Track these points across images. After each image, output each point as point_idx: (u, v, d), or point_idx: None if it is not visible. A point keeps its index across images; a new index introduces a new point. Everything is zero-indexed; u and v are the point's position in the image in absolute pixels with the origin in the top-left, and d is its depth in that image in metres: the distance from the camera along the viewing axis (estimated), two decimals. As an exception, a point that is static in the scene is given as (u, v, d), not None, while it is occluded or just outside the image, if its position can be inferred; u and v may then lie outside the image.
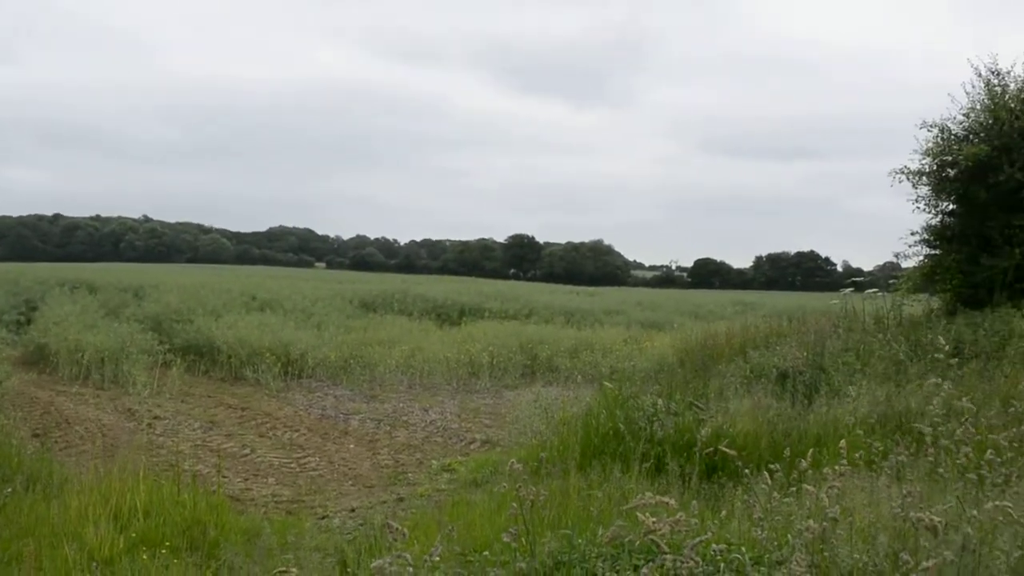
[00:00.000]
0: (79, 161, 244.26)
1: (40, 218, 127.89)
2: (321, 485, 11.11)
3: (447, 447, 13.69)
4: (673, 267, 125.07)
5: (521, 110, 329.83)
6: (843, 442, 5.42)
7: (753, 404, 11.19)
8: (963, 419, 5.38)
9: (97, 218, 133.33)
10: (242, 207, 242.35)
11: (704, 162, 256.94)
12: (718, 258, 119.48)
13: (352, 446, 13.55)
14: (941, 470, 5.40)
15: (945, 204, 17.82)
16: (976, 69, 17.14)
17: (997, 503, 4.28)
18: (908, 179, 17.51)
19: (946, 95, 17.87)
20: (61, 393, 17.17)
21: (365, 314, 30.09)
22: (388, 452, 13.19)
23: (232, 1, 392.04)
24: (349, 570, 6.65)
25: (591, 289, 58.13)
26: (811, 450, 6.01)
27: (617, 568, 5.05)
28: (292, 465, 12.28)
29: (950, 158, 16.85)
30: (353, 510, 9.83)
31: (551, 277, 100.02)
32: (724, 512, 6.24)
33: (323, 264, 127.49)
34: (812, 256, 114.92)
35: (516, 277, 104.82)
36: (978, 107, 17.18)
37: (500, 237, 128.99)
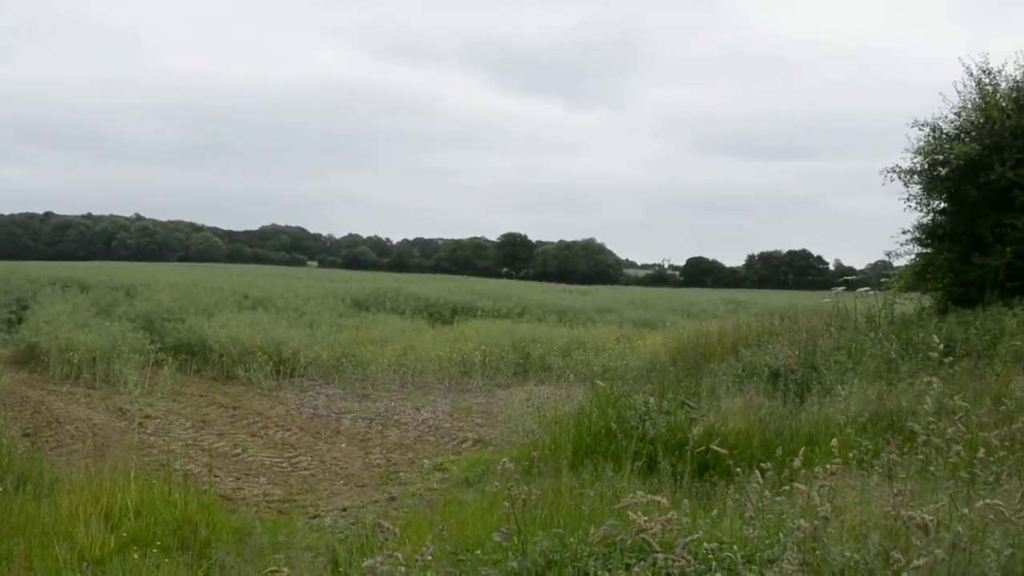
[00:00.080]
0: (71, 159, 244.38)
1: (31, 216, 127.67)
2: (313, 484, 11.09)
3: (439, 446, 13.67)
4: (665, 266, 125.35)
5: (514, 109, 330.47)
6: (835, 441, 5.43)
7: (745, 403, 11.19)
8: (955, 417, 5.40)
9: (89, 216, 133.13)
10: (234, 206, 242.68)
11: (697, 161, 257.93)
12: (710, 257, 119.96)
13: (344, 445, 13.53)
14: (932, 468, 5.41)
15: (936, 203, 17.85)
16: (967, 68, 17.19)
17: (988, 501, 4.29)
18: (900, 178, 17.55)
19: (938, 94, 17.91)
20: (52, 392, 17.12)
21: (357, 313, 30.04)
22: (380, 451, 13.17)
23: (226, 0, 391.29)
24: (340, 569, 6.64)
25: (584, 288, 58.15)
26: (803, 449, 6.01)
27: (609, 567, 5.05)
28: (284, 464, 12.25)
29: (941, 157, 16.88)
30: (345, 509, 9.81)
31: (544, 276, 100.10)
32: (716, 511, 6.24)
33: (315, 263, 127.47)
34: (804, 255, 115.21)
35: (509, 276, 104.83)
36: (969, 106, 17.22)
37: (493, 236, 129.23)
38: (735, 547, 4.83)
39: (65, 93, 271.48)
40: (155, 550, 7.20)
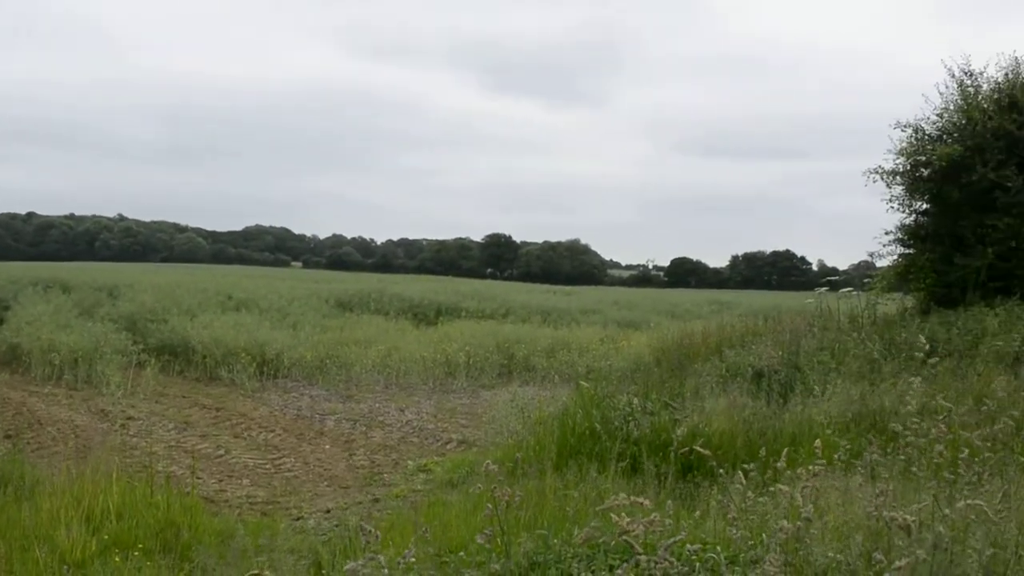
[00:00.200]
0: (53, 159, 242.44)
1: (13, 216, 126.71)
2: (296, 486, 11.06)
3: (423, 447, 13.66)
4: (650, 266, 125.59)
5: (498, 110, 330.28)
6: (818, 442, 5.44)
7: (729, 403, 11.22)
8: (939, 417, 5.41)
9: (71, 217, 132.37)
10: (218, 206, 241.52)
11: (680, 162, 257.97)
12: (694, 257, 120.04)
13: (328, 447, 13.50)
14: (915, 469, 5.43)
15: (919, 204, 17.96)
16: (950, 70, 17.30)
17: (970, 502, 4.31)
18: (882, 179, 17.65)
19: (920, 96, 18.02)
20: (33, 394, 17.01)
21: (341, 314, 29.97)
22: (364, 453, 13.15)
23: (209, 0, 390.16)
24: (324, 572, 6.63)
25: (568, 288, 58.14)
26: (786, 449, 6.02)
27: (592, 568, 5.04)
28: (267, 466, 12.21)
29: (924, 158, 16.97)
30: (328, 511, 9.78)
31: (528, 276, 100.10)
32: (699, 512, 6.25)
33: (299, 263, 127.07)
34: (788, 255, 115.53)
35: (493, 276, 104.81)
36: (951, 108, 17.33)
37: (477, 236, 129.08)
38: (718, 548, 4.83)
39: (47, 92, 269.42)
40: (137, 553, 7.16)
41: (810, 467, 4.92)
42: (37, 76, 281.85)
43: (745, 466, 5.98)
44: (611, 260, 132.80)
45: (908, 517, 3.86)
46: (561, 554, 5.29)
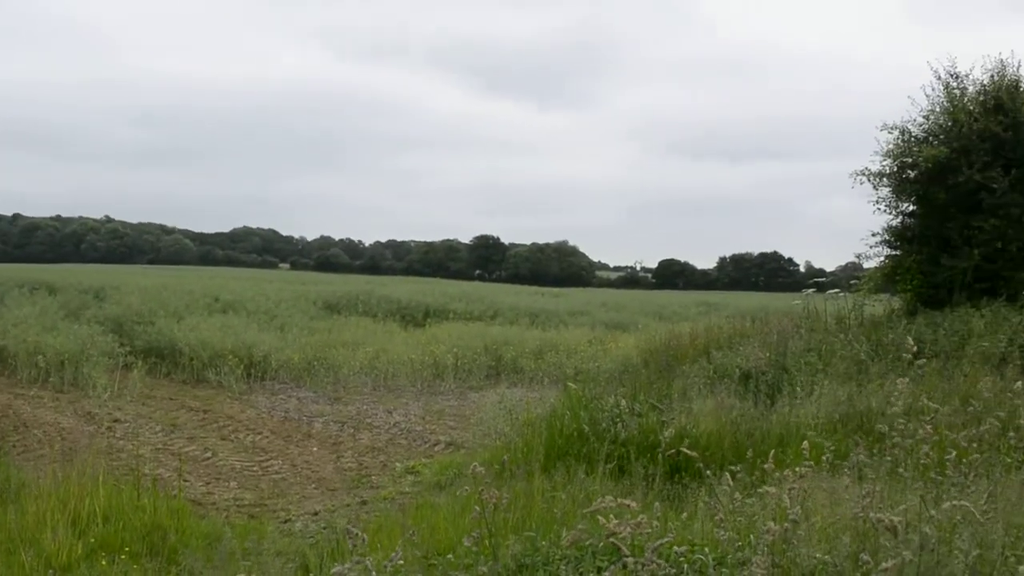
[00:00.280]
0: (39, 160, 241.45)
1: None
2: (284, 489, 11.03)
3: (411, 449, 13.64)
4: (637, 268, 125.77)
5: (486, 111, 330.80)
6: (806, 443, 5.45)
7: (716, 404, 11.23)
8: (927, 418, 5.42)
9: (58, 218, 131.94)
10: (205, 207, 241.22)
11: (668, 164, 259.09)
12: (682, 259, 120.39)
13: (315, 449, 13.47)
14: (902, 470, 5.44)
15: (905, 205, 18.02)
16: (936, 72, 17.36)
17: (956, 502, 4.31)
18: (869, 180, 17.69)
19: (907, 98, 18.08)
20: (19, 396, 16.91)
21: (329, 316, 29.93)
22: (352, 455, 13.12)
23: (196, 1, 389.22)
24: (311, 575, 6.61)
25: (556, 290, 58.23)
26: (773, 451, 6.03)
27: (580, 571, 5.05)
28: (254, 468, 12.18)
29: (910, 160, 17.03)
30: (316, 514, 9.76)
31: (516, 278, 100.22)
32: (687, 513, 6.25)
33: (287, 265, 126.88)
34: (775, 257, 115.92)
35: (481, 278, 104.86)
36: (937, 109, 17.39)
37: (465, 238, 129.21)
38: (706, 549, 4.83)
39: (32, 93, 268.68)
40: (123, 556, 7.14)
41: (797, 468, 4.93)
42: (23, 77, 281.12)
43: (732, 467, 5.98)
44: (599, 262, 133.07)
45: (895, 518, 3.87)
46: (549, 556, 5.29)
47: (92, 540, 7.48)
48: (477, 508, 4.66)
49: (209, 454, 12.89)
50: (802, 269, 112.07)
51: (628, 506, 3.67)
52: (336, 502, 10.35)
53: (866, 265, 19.79)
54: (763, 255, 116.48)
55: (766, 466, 5.51)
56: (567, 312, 34.28)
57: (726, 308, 37.10)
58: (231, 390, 18.46)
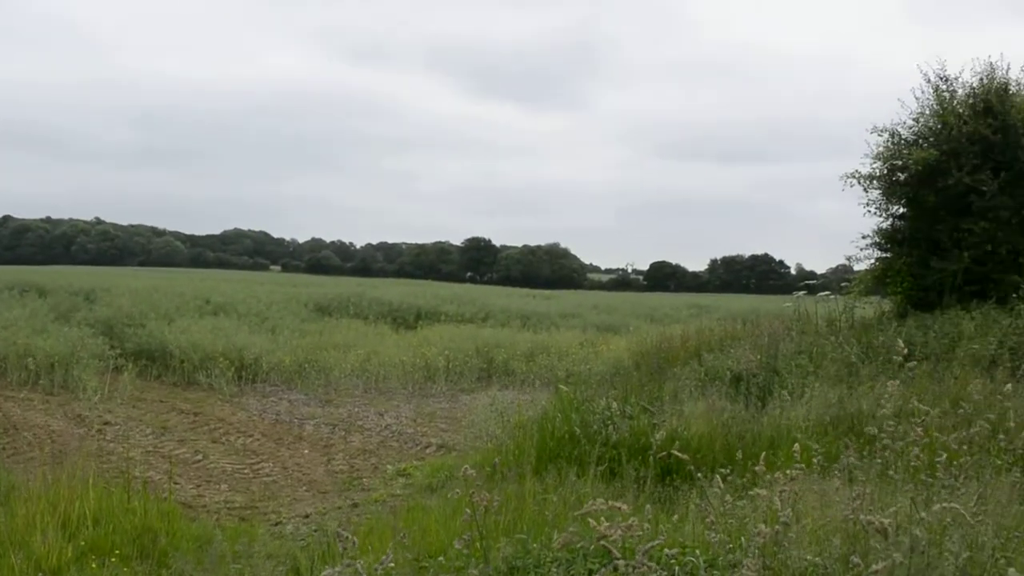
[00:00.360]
0: (30, 161, 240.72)
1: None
2: (275, 491, 11.01)
3: (402, 452, 13.63)
4: (629, 270, 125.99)
5: (479, 113, 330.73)
6: (797, 446, 5.46)
7: (707, 407, 11.24)
8: (917, 420, 5.44)
9: (48, 220, 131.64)
10: (196, 209, 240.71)
11: (659, 166, 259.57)
12: (673, 261, 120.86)
13: (306, 451, 13.44)
14: (892, 472, 5.45)
15: (895, 208, 18.06)
16: (925, 75, 17.41)
17: (946, 505, 4.32)
18: (859, 183, 17.73)
19: (897, 101, 18.15)
20: (9, 399, 16.84)
21: (320, 318, 29.90)
22: (343, 457, 13.10)
23: (189, 2, 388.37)
24: (302, 577, 6.60)
25: (547, 292, 58.21)
26: (764, 453, 6.04)
27: (571, 573, 5.05)
28: (245, 471, 12.15)
29: (900, 162, 17.08)
30: (307, 516, 9.74)
31: (508, 280, 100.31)
32: (678, 515, 6.26)
33: (278, 267, 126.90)
34: (766, 259, 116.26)
35: (473, 280, 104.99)
36: (927, 112, 17.45)
37: (457, 240, 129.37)
38: (697, 552, 4.84)
39: (22, 93, 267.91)
40: (114, 559, 7.12)
41: (788, 471, 4.94)
42: (12, 77, 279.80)
43: (723, 470, 5.99)
44: (591, 264, 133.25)
45: (885, 520, 3.88)
46: (540, 559, 5.29)
47: (82, 543, 7.46)
48: (468, 511, 4.66)
49: (200, 457, 12.86)
50: (793, 271, 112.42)
51: (619, 508, 3.67)
52: (327, 505, 10.33)
53: (856, 267, 19.83)
54: (754, 257, 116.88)
55: (757, 468, 5.51)
56: (558, 314, 34.29)
57: (717, 310, 37.17)
58: (222, 392, 18.42)
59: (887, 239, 18.10)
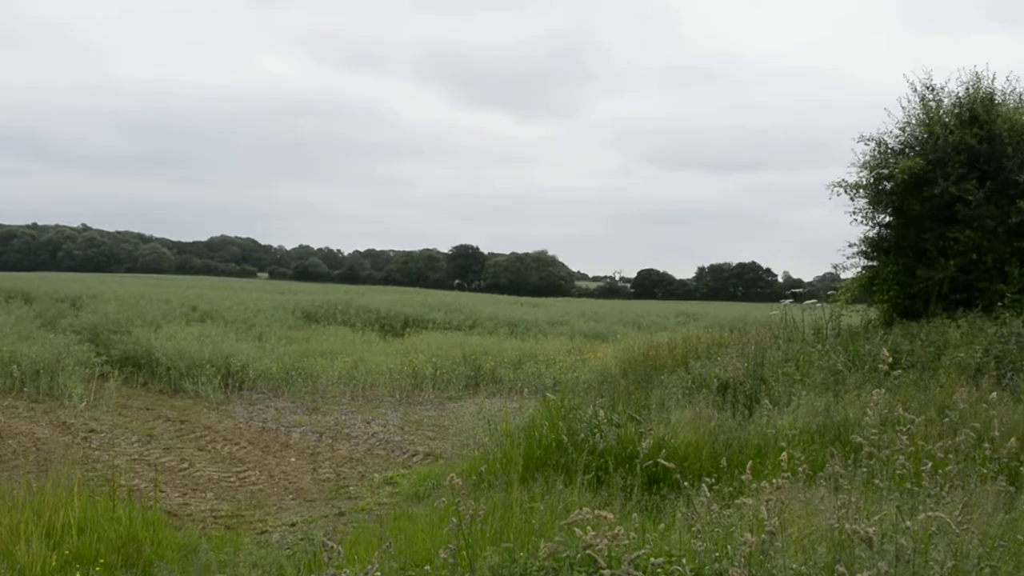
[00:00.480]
0: (16, 167, 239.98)
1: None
2: (261, 499, 10.97)
3: (389, 460, 13.59)
4: (617, 278, 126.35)
5: (466, 120, 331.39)
6: (784, 455, 5.47)
7: (694, 415, 11.25)
8: (903, 428, 5.45)
9: (34, 226, 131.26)
10: (183, 216, 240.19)
11: (647, 174, 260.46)
12: (661, 269, 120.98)
13: (293, 459, 13.40)
14: (877, 480, 5.46)
15: (882, 216, 18.16)
16: (912, 84, 17.54)
17: (931, 513, 4.34)
18: (846, 192, 17.84)
19: (883, 110, 18.26)
20: (-6, 406, 16.77)
21: (307, 325, 29.90)
22: (330, 465, 13.07)
23: (177, 5, 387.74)
24: (288, 586, 6.58)
25: (535, 300, 58.32)
26: (751, 461, 6.04)
27: (558, 582, 5.04)
28: (232, 479, 12.11)
29: (886, 171, 17.18)
30: (293, 525, 9.71)
31: (495, 288, 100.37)
32: (664, 524, 6.25)
33: (266, 274, 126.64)
34: (753, 267, 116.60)
35: (460, 288, 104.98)
36: (914, 121, 17.56)
37: (445, 247, 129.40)
38: (683, 560, 4.84)
39: (8, 99, 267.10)
40: (98, 568, 7.08)
41: (774, 480, 4.95)
42: (2, 82, 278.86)
43: (709, 479, 5.99)
44: (578, 272, 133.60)
45: (870, 529, 3.89)
46: (526, 568, 5.27)
47: (67, 552, 7.41)
48: (454, 519, 4.65)
49: (186, 465, 12.81)
50: (780, 279, 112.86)
51: (605, 518, 3.67)
52: (313, 513, 10.30)
53: (843, 276, 19.93)
54: (741, 265, 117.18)
55: (743, 477, 5.52)
56: (546, 322, 34.31)
57: (704, 318, 37.27)
58: (208, 400, 18.36)
59: (873, 248, 18.20)
